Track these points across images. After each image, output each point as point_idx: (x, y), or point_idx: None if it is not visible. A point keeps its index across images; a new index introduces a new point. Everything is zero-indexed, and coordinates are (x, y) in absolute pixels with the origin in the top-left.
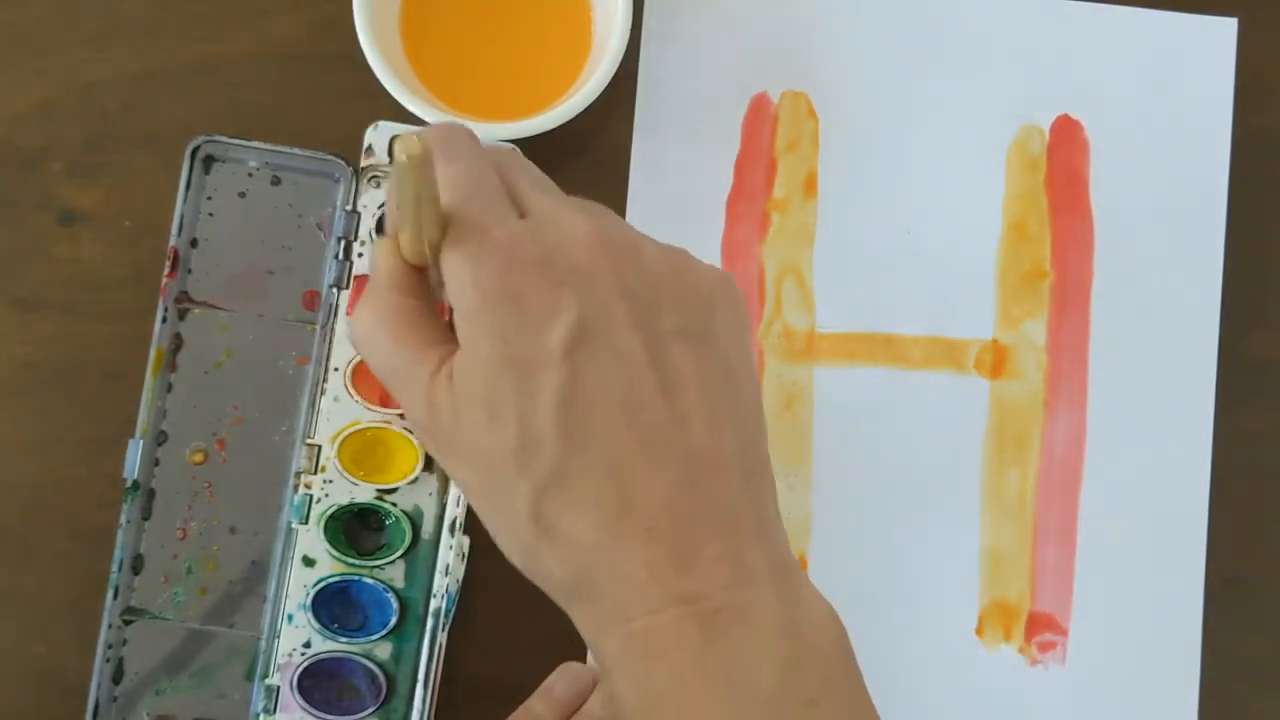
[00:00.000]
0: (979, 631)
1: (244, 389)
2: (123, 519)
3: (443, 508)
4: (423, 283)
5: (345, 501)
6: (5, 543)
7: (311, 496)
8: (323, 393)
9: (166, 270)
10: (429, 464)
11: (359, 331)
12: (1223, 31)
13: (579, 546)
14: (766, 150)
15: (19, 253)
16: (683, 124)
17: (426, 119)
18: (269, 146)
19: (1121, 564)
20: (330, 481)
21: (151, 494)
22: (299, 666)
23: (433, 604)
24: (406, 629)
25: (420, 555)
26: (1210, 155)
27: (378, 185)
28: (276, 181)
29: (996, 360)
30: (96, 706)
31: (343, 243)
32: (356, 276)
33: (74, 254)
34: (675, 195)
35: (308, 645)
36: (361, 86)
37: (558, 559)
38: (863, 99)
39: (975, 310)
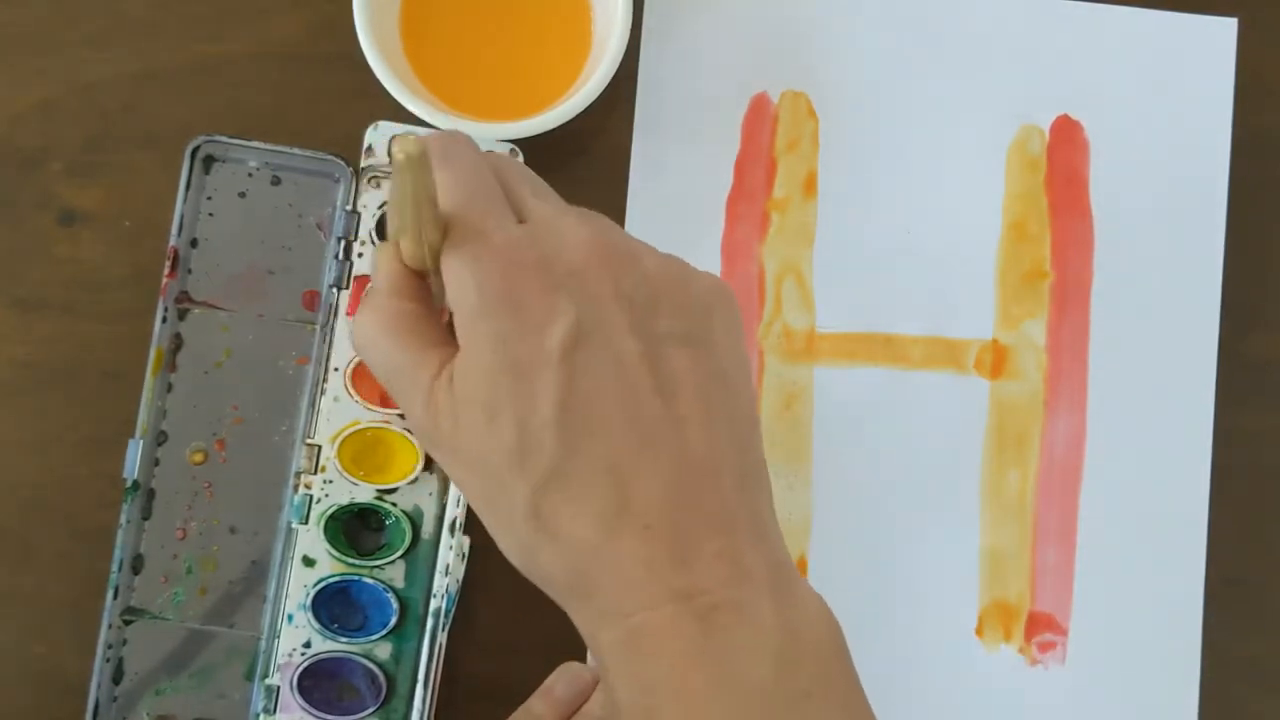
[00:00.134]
0: (979, 631)
1: (244, 389)
2: (123, 519)
3: (443, 508)
4: (423, 287)
5: (345, 501)
6: (5, 543)
7: (311, 496)
8: (323, 393)
9: (166, 270)
10: (429, 464)
11: (361, 336)
12: (1223, 31)
13: (577, 544)
14: (766, 150)
15: (19, 253)
16: (683, 124)
17: (426, 119)
18: (269, 146)
19: (1121, 564)
20: (330, 481)
21: (151, 494)
22: (299, 666)
23: (433, 604)
24: (406, 629)
25: (420, 555)
26: (1210, 155)
27: (378, 185)
28: (276, 181)
29: (996, 360)
30: (96, 706)
31: (343, 243)
32: (356, 276)
33: (74, 254)
34: (675, 195)
35: (308, 645)
36: (361, 86)
37: (556, 557)
38: (863, 99)
39: (975, 310)
